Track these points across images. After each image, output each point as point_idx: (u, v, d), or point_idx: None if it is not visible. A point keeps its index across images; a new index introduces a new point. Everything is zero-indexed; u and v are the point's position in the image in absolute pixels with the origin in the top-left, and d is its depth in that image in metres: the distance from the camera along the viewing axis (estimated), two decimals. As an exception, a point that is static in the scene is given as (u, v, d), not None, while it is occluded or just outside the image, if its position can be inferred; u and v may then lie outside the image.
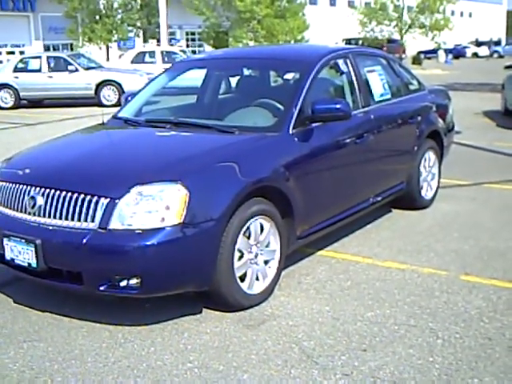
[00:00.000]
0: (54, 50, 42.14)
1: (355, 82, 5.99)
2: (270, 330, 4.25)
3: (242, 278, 4.51)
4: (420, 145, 6.84)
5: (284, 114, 5.17)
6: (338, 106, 5.12)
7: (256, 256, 4.61)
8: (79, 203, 4.19)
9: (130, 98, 6.26)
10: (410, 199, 6.95)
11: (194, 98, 6.57)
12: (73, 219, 4.20)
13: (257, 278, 4.63)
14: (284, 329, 4.27)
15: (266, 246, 4.69)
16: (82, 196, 4.20)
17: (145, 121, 5.61)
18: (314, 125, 5.20)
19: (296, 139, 5.04)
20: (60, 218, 4.25)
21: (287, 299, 4.75)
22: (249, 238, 4.52)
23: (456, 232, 6.30)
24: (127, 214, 4.07)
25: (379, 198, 6.23)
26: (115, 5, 37.76)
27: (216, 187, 4.28)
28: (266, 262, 4.71)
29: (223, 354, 3.94)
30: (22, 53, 32.47)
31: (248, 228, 4.48)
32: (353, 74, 6.01)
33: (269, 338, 4.14)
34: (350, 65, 6.02)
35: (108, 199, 4.12)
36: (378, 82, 6.45)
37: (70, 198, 4.23)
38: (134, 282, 4.09)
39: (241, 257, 4.47)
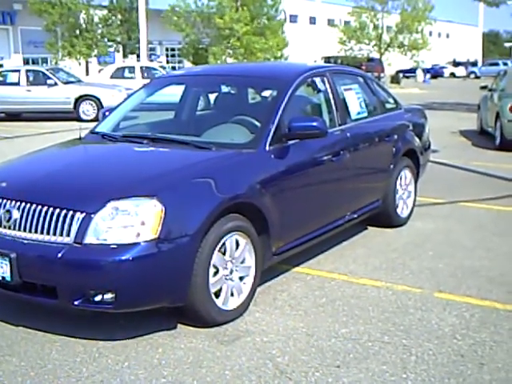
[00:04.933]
0: (34, 63, 41.95)
1: (332, 100, 6.05)
2: (244, 346, 4.25)
3: (217, 294, 4.51)
4: (396, 163, 6.90)
5: (261, 131, 5.20)
6: (314, 124, 5.16)
7: (231, 272, 4.62)
8: (55, 217, 4.19)
9: (107, 113, 6.27)
10: (385, 217, 7.00)
11: (172, 114, 6.59)
12: (48, 233, 4.19)
13: (232, 294, 4.64)
14: (258, 345, 4.28)
15: (242, 263, 4.70)
16: (58, 210, 4.19)
17: (122, 136, 5.62)
18: (290, 142, 5.24)
19: (272, 156, 5.07)
20: (35, 232, 4.24)
21: (262, 315, 4.76)
22: (224, 254, 4.53)
23: (431, 250, 6.35)
24: (102, 229, 4.07)
25: (355, 216, 6.28)
26: (95, 19, 37.71)
27: (191, 203, 4.29)
28: (241, 278, 4.72)
29: (197, 370, 3.93)
30: (0, 66, 32.26)
31: (223, 244, 4.49)
32: (330, 92, 6.06)
33: (243, 354, 4.14)
34: (327, 83, 6.08)
35: (83, 214, 4.12)
36: (354, 100, 6.52)
37: (46, 212, 4.23)
38: (108, 296, 4.08)
39: (216, 273, 4.47)
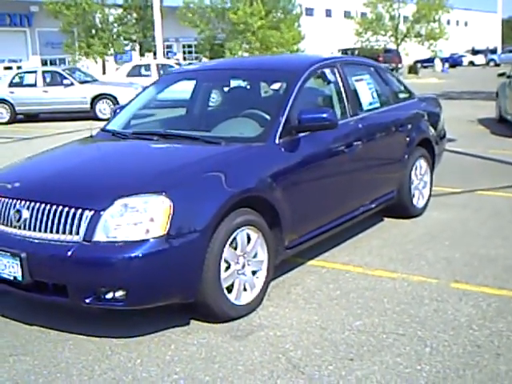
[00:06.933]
0: (51, 64, 42.26)
1: (343, 91, 5.99)
2: (257, 341, 4.22)
3: (230, 289, 4.48)
4: (410, 153, 6.83)
5: (270, 124, 5.16)
6: (324, 116, 5.11)
7: (243, 267, 4.59)
8: (64, 216, 4.18)
9: (118, 111, 6.26)
10: (401, 208, 6.93)
11: (184, 111, 6.57)
12: (58, 232, 4.19)
13: (244, 289, 4.61)
14: (271, 339, 4.25)
15: (254, 257, 4.67)
16: (67, 209, 4.19)
17: (132, 133, 5.61)
18: (300, 134, 5.19)
19: (282, 149, 5.03)
20: (45, 231, 4.23)
21: (276, 309, 4.73)
22: (235, 248, 4.50)
23: (447, 240, 6.27)
24: (111, 226, 4.06)
25: (370, 207, 6.22)
26: (111, 19, 37.83)
27: (201, 198, 4.26)
28: (253, 273, 4.69)
29: (209, 365, 3.91)
30: (19, 68, 32.46)
31: (234, 239, 4.46)
32: (340, 83, 6.00)
33: (256, 349, 4.11)
34: (337, 74, 6.02)
35: (92, 211, 4.11)
36: (366, 90, 6.45)
37: (55, 210, 4.22)
38: (119, 294, 4.08)
39: (227, 268, 4.44)
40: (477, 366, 3.82)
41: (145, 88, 6.53)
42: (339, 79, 6.02)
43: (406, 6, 48.03)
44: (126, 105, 6.31)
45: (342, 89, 6.01)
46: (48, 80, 21.34)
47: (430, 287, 5.08)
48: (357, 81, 6.38)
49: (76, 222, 4.14)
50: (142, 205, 4.10)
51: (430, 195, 7.41)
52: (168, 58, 40.46)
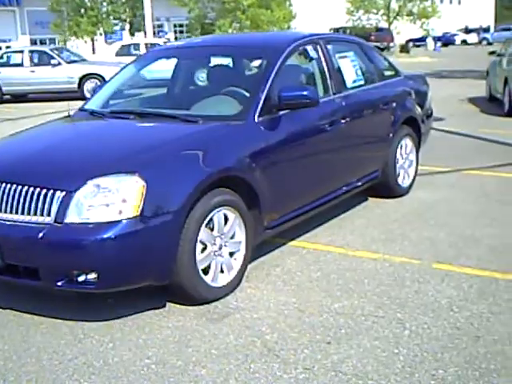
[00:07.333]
0: (42, 44, 41.83)
1: (326, 69, 5.86)
2: (233, 324, 4.14)
3: (206, 271, 4.39)
4: (395, 131, 6.72)
5: (249, 102, 5.04)
6: (304, 93, 5.00)
7: (220, 248, 4.49)
8: (35, 197, 4.07)
9: (98, 90, 6.13)
10: (386, 187, 6.84)
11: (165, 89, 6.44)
12: (29, 214, 4.08)
13: (221, 271, 4.51)
14: (248, 322, 4.16)
15: (231, 238, 4.57)
16: (38, 189, 4.08)
17: (110, 112, 5.49)
18: (281, 113, 5.08)
19: (262, 127, 4.92)
20: (16, 213, 4.12)
21: (254, 291, 4.64)
22: (212, 229, 4.40)
23: (432, 220, 6.19)
24: (84, 207, 3.95)
25: (353, 187, 6.13)
26: (100, -3, 37.52)
27: (175, 178, 4.15)
28: (231, 254, 4.59)
29: (183, 349, 3.82)
30: (8, 48, 32.16)
31: (211, 219, 4.36)
32: (323, 60, 5.87)
33: (231, 332, 4.02)
34: (320, 51, 5.89)
35: (64, 192, 4.00)
36: (350, 68, 6.34)
37: (26, 192, 4.11)
38: (91, 276, 3.98)
39: (204, 249, 4.34)
40: (455, 348, 3.74)
41: (124, 66, 6.37)
42: (322, 56, 5.89)
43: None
44: (105, 83, 6.17)
45: (325, 66, 5.88)
46: (35, 60, 21.13)
47: (412, 268, 5.00)
48: (340, 58, 6.27)
49: (47, 202, 4.03)
50: (114, 185, 3.99)
51: (416, 175, 7.30)
52: (159, 38, 40.11)
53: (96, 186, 4.00)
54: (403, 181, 7.03)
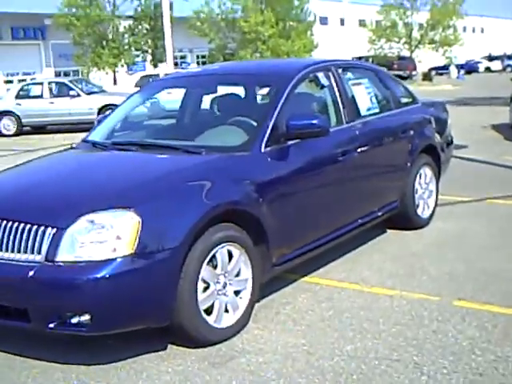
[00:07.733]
0: (66, 75, 42.11)
1: (338, 96, 5.60)
2: (236, 369, 3.85)
3: (209, 311, 4.12)
4: (414, 161, 6.43)
5: (256, 132, 4.80)
6: (314, 122, 4.75)
7: (224, 286, 4.22)
8: (25, 234, 3.84)
9: (102, 121, 5.94)
10: (404, 218, 6.53)
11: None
12: (19, 251, 3.84)
13: (226, 311, 4.24)
14: (253, 366, 3.87)
15: (236, 276, 4.30)
16: (29, 226, 3.85)
17: (112, 143, 5.28)
18: (290, 142, 4.83)
19: (269, 158, 4.67)
20: (6, 251, 3.89)
21: (261, 332, 4.35)
22: (215, 267, 4.14)
23: (452, 252, 5.87)
24: (75, 245, 3.72)
25: (368, 219, 5.83)
26: (121, 29, 37.68)
27: (174, 213, 3.90)
28: (236, 293, 4.32)
29: (181, 398, 3.55)
30: (33, 79, 32.38)
31: (214, 256, 4.10)
32: (335, 87, 5.62)
33: (234, 378, 3.74)
34: (332, 78, 5.64)
35: (55, 229, 3.77)
36: (364, 95, 6.08)
37: (17, 228, 3.89)
38: (84, 318, 3.72)
39: (206, 288, 4.08)
40: (477, 397, 3.43)
41: (129, 96, 6.16)
42: (334, 83, 5.64)
43: (419, 13, 47.57)
44: (109, 114, 5.97)
45: (338, 93, 5.62)
46: (54, 91, 21.19)
47: (431, 306, 4.68)
48: (354, 85, 6.01)
49: (38, 240, 3.80)
50: (108, 221, 3.75)
51: (436, 205, 6.99)
52: (182, 68, 40.25)
53: (89, 221, 3.77)
54: (423, 212, 6.72)
